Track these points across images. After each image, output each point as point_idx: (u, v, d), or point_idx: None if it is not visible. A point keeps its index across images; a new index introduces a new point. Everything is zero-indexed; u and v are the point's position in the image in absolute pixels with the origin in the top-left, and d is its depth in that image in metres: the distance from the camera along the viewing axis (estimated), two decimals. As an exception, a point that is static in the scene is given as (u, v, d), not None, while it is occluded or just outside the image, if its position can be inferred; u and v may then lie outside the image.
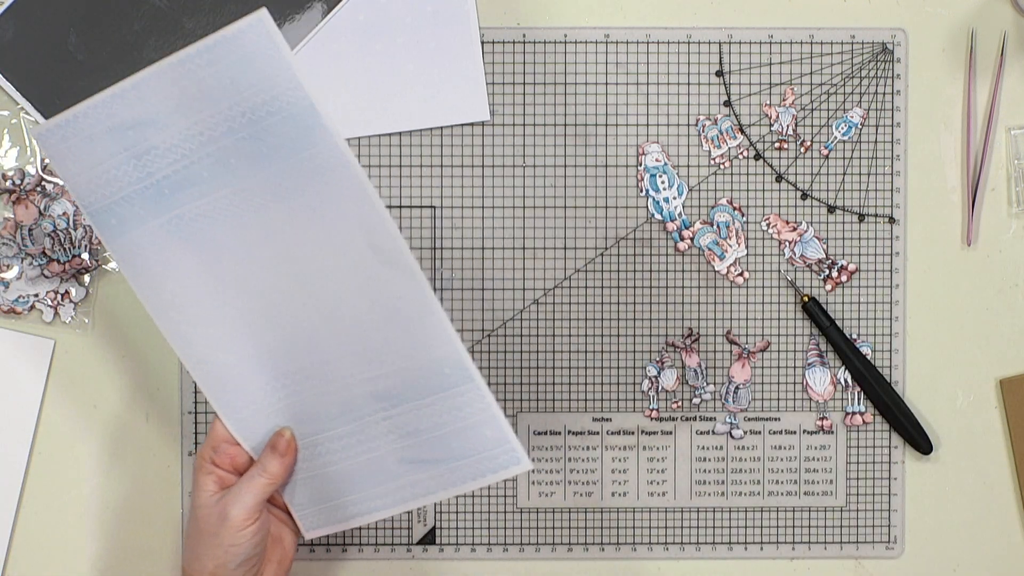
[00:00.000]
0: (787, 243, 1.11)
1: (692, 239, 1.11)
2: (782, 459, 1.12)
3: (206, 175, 0.92)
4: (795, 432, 1.12)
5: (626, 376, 1.11)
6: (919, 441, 1.11)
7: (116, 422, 1.11)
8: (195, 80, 0.90)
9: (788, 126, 1.11)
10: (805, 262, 1.11)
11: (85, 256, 1.09)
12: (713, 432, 1.12)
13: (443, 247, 1.11)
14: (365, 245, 0.92)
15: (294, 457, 0.97)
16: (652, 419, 1.11)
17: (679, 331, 1.11)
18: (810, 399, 1.12)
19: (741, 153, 1.11)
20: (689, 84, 1.11)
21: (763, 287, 1.11)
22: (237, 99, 0.90)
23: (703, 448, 1.12)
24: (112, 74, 1.08)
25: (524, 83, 1.11)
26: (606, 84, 1.11)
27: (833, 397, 1.12)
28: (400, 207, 1.11)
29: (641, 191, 1.11)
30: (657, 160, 1.11)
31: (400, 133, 1.10)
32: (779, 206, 1.11)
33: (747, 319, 1.11)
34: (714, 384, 1.11)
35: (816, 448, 1.12)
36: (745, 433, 1.12)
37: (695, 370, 1.11)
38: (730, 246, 1.11)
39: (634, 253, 1.11)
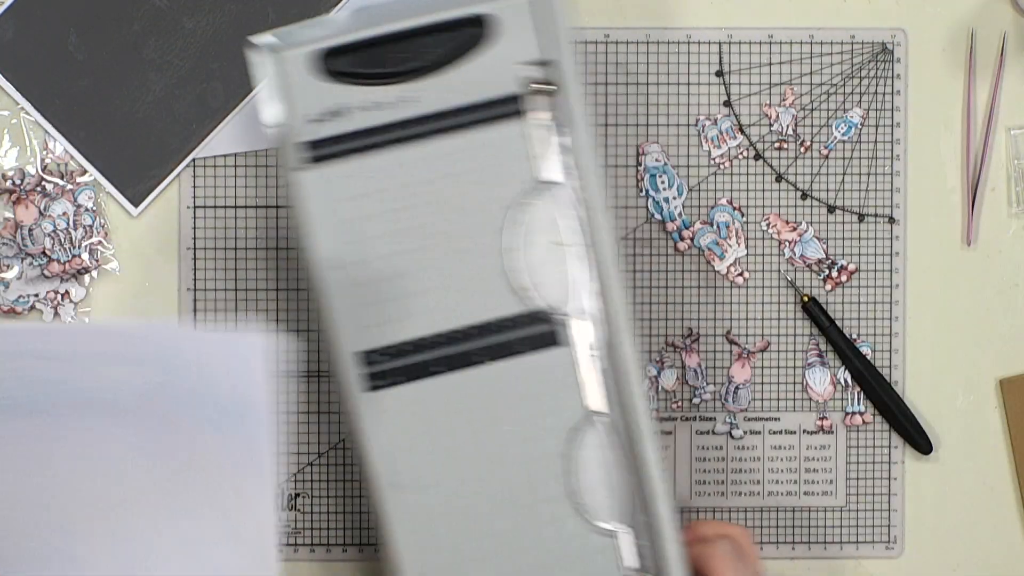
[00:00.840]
0: (787, 243, 1.11)
1: (692, 239, 1.11)
2: (782, 459, 1.12)
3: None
4: (795, 432, 1.12)
5: (626, 376, 1.11)
6: (919, 441, 1.11)
7: (116, 422, 1.11)
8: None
9: (788, 126, 1.11)
10: (805, 262, 1.11)
11: (85, 256, 1.09)
12: (713, 432, 1.12)
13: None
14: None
15: None
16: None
17: (679, 331, 1.11)
18: (810, 399, 1.12)
19: (741, 153, 1.11)
20: (689, 84, 1.11)
21: (763, 287, 1.11)
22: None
23: (703, 448, 1.12)
24: (112, 74, 1.08)
25: (524, 83, 1.11)
26: (606, 84, 1.11)
27: (833, 397, 1.12)
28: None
29: (641, 191, 1.11)
30: (657, 160, 1.11)
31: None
32: (779, 206, 1.11)
33: (747, 319, 1.11)
34: (714, 384, 1.11)
35: (816, 448, 1.12)
36: (745, 433, 1.12)
37: (695, 370, 1.11)
38: (730, 246, 1.11)
39: (634, 253, 1.11)
